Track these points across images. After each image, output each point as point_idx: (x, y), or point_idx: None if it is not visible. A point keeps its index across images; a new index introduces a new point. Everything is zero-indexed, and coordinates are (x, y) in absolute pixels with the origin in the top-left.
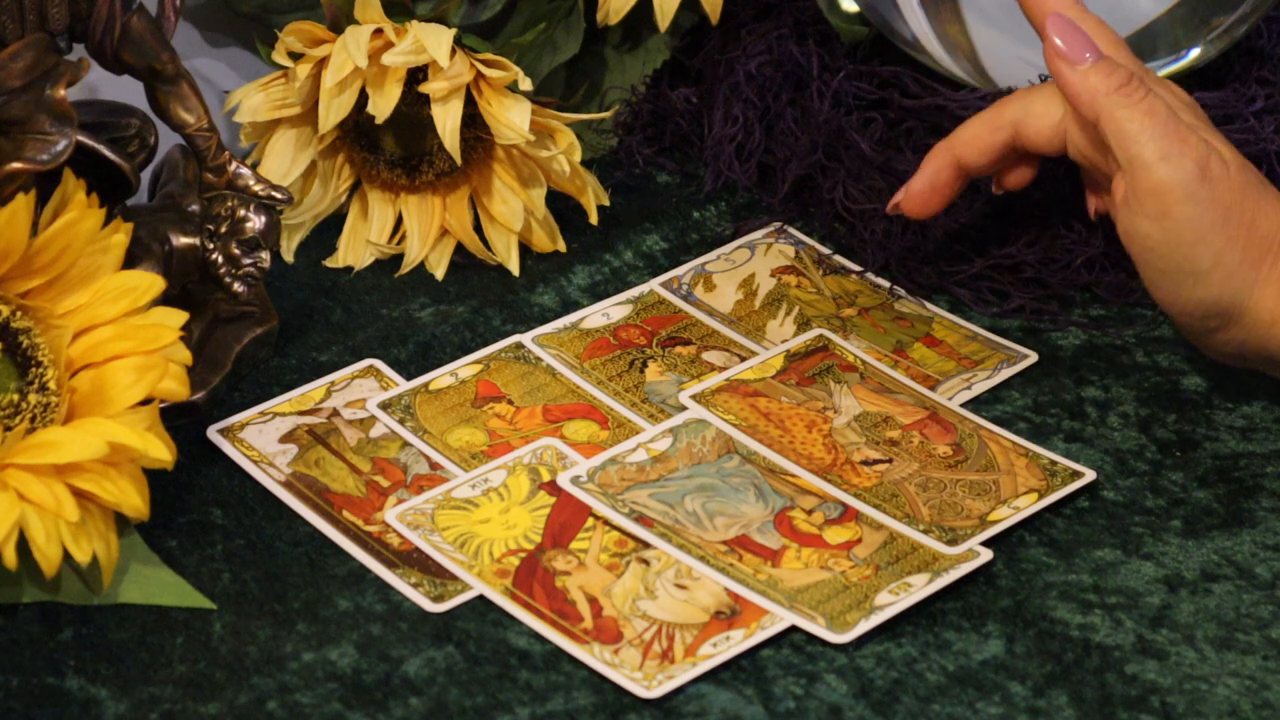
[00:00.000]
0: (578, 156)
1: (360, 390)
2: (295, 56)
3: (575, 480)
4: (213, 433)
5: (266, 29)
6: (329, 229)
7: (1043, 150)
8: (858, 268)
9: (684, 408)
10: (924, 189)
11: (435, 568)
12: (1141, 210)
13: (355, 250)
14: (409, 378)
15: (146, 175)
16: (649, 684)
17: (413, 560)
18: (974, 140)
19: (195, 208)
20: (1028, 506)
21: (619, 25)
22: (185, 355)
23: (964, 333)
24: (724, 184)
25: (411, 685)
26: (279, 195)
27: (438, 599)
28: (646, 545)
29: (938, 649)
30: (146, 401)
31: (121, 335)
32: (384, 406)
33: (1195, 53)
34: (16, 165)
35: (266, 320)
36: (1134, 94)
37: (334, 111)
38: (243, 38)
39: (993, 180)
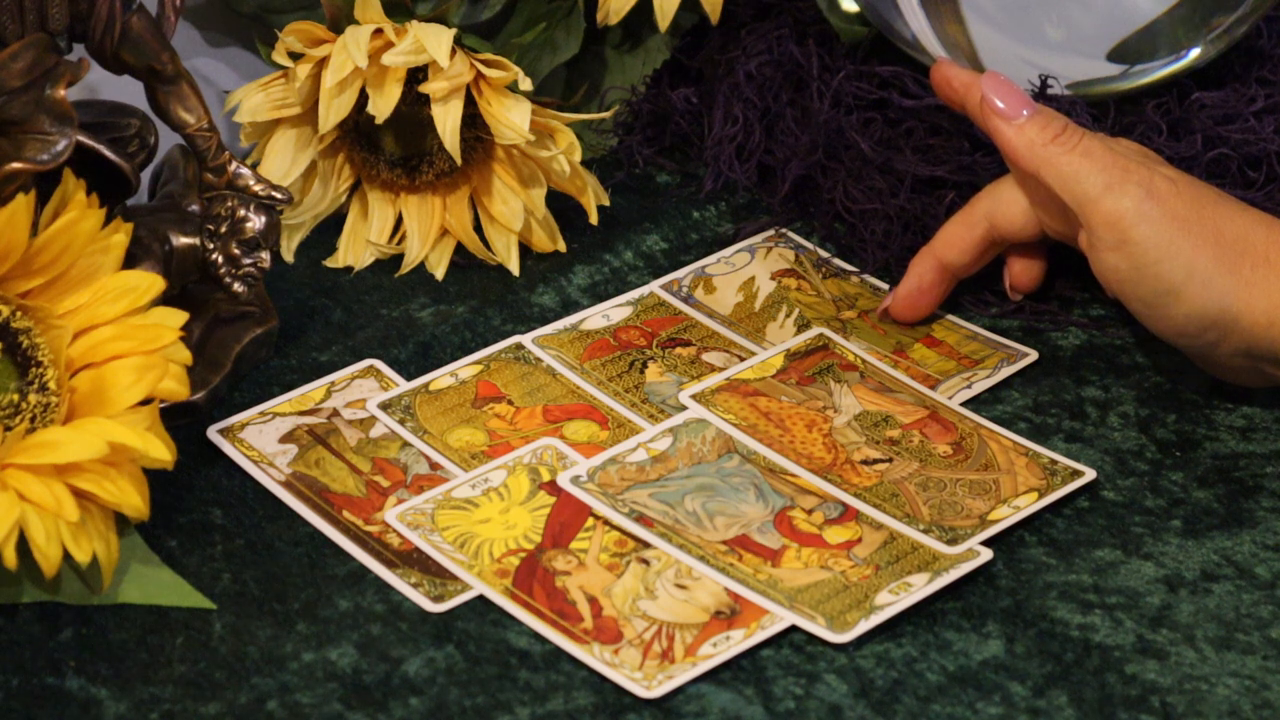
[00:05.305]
0: (578, 156)
1: (360, 390)
2: (295, 56)
3: (575, 480)
4: (213, 433)
5: (266, 29)
6: (329, 229)
7: (1019, 237)
8: (857, 269)
9: (684, 407)
10: (910, 292)
11: (435, 568)
12: (1103, 245)
13: (355, 250)
14: (409, 378)
15: (146, 175)
16: (649, 684)
17: (413, 560)
18: (953, 240)
19: (195, 208)
20: (1028, 506)
21: (619, 25)
22: (185, 355)
23: (964, 333)
24: (724, 184)
25: (411, 685)
26: (279, 195)
27: (438, 599)
28: (646, 545)
29: (938, 649)
30: (146, 401)
31: (121, 335)
32: (384, 407)
33: (1195, 53)
34: (16, 165)
35: (266, 320)
36: (1069, 140)
37: (334, 111)
38: (243, 38)
39: (1006, 290)
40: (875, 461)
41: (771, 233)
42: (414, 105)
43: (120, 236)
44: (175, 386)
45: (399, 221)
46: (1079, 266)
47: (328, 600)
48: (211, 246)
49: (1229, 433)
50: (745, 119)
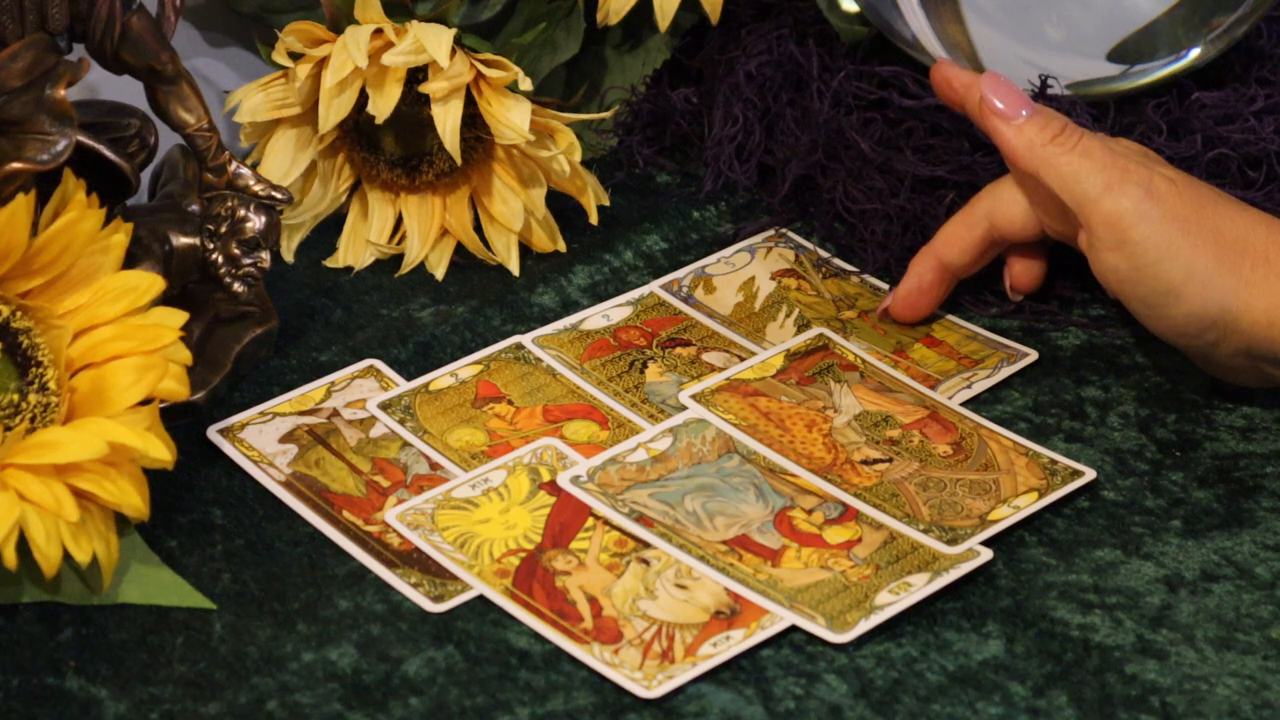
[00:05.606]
0: (578, 156)
1: (360, 390)
2: (295, 56)
3: (575, 480)
4: (213, 433)
5: (266, 29)
6: (329, 229)
7: (1019, 237)
8: (857, 269)
9: (684, 407)
10: (910, 292)
11: (435, 568)
12: (1102, 245)
13: (355, 250)
14: (409, 378)
15: (146, 175)
16: (649, 684)
17: (413, 560)
18: (954, 240)
19: (195, 208)
20: (1028, 506)
21: (619, 25)
22: (185, 355)
23: (964, 333)
24: (724, 184)
25: (411, 685)
26: (279, 195)
27: (438, 599)
28: (646, 545)
29: (938, 649)
30: (146, 401)
31: (121, 335)
32: (384, 407)
33: (1195, 53)
34: (16, 165)
35: (266, 320)
36: (1068, 140)
37: (334, 111)
38: (243, 38)
39: (1007, 290)
40: (875, 461)
41: (771, 233)
42: (414, 105)
43: (120, 236)
44: (175, 386)
45: (399, 221)
46: (1079, 266)
47: (328, 600)
48: (211, 246)
49: (1229, 433)
50: (745, 119)
